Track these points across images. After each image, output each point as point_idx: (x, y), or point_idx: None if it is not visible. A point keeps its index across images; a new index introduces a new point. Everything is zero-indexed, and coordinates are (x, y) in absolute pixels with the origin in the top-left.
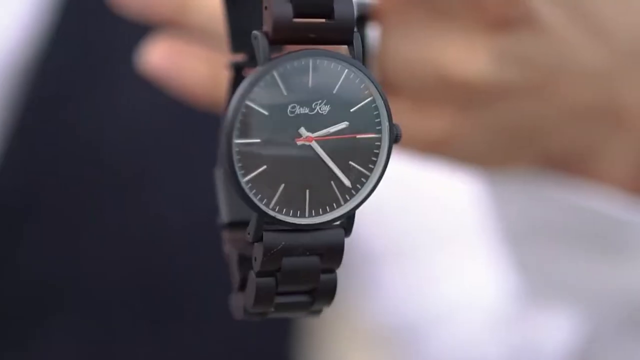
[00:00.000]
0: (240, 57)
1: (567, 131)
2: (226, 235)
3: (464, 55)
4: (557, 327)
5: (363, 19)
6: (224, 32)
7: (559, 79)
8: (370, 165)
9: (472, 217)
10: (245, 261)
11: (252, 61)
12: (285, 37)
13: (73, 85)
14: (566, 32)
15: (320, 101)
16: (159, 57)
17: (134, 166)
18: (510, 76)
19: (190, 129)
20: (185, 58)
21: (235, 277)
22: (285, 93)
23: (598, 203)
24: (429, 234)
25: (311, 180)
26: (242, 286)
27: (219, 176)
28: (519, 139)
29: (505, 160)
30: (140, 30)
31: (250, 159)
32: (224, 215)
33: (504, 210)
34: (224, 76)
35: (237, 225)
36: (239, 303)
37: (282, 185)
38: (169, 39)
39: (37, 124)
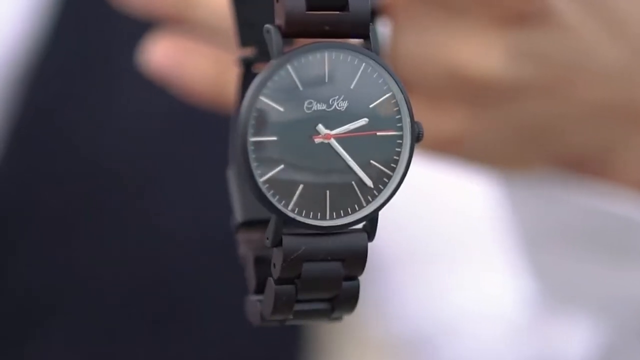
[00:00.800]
0: (249, 52)
1: (584, 131)
2: (241, 236)
3: (478, 51)
4: (575, 336)
5: (372, 14)
6: (228, 28)
7: (576, 76)
8: (392, 165)
9: (487, 222)
10: (261, 263)
11: (262, 56)
12: (298, 30)
13: (71, 87)
14: (584, 29)
15: (337, 97)
16: (161, 55)
17: (134, 170)
18: (525, 74)
19: (192, 132)
20: (189, 55)
21: (252, 280)
22: (301, 88)
23: (616, 206)
24: (442, 240)
25: (331, 180)
26: (259, 289)
27: (232, 175)
28: (534, 139)
29: (520, 161)
30: (141, 28)
31: (267, 158)
32: (238, 214)
33: (519, 213)
34: (229, 74)
35: (252, 224)
36: (256, 308)
37: (301, 186)
38: (171, 36)
39: (33, 127)
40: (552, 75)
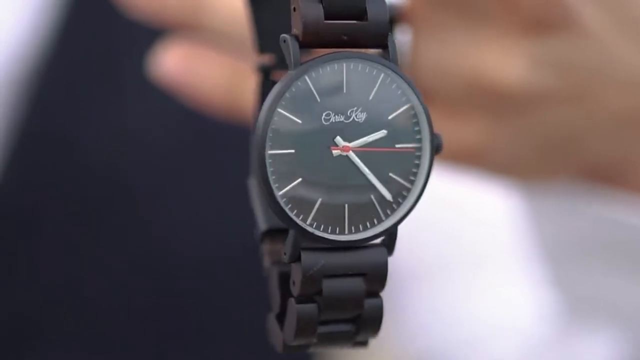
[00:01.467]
0: (267, 59)
1: (607, 140)
2: (265, 247)
3: (500, 60)
4: (598, 349)
5: (392, 22)
6: (243, 35)
7: (600, 85)
8: (412, 178)
9: (507, 233)
10: (287, 282)
11: (281, 63)
12: (316, 39)
13: (78, 95)
14: (608, 36)
15: (355, 108)
16: (173, 62)
17: (141, 181)
18: (548, 82)
19: (202, 143)
20: (202, 63)
21: (276, 299)
22: (318, 99)
23: (639, 217)
24: (460, 252)
25: (350, 194)
26: (283, 311)
27: (253, 185)
28: (556, 148)
29: (542, 171)
30: (152, 34)
31: (285, 171)
32: (261, 223)
33: (541, 225)
34: (243, 82)
35: (276, 233)
36: (277, 333)
37: (320, 200)
38: (183, 43)
39: (37, 134)
40: (575, 83)
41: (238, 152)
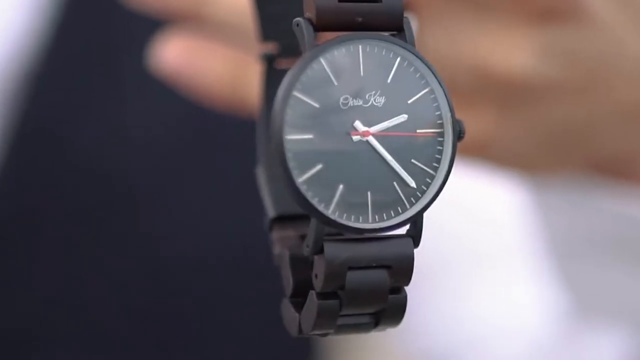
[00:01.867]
0: (270, 47)
1: (614, 133)
2: (275, 234)
3: (506, 49)
4: (606, 349)
5: None
6: (245, 27)
7: (608, 76)
8: (435, 164)
9: (510, 230)
10: (298, 262)
11: (285, 52)
12: (330, 22)
13: (75, 92)
14: (617, 28)
15: (374, 92)
16: (174, 54)
17: (141, 182)
18: (555, 72)
19: (201, 142)
20: (204, 55)
21: (289, 281)
22: (335, 83)
23: None
24: (462, 250)
25: (372, 181)
26: (296, 292)
27: (261, 174)
28: (564, 141)
29: (550, 164)
30: (151, 26)
31: (304, 157)
32: (270, 210)
33: (549, 221)
34: (246, 74)
35: (286, 220)
36: (294, 320)
37: (341, 186)
38: (184, 35)
39: (35, 133)
40: (584, 74)
41: (238, 151)
